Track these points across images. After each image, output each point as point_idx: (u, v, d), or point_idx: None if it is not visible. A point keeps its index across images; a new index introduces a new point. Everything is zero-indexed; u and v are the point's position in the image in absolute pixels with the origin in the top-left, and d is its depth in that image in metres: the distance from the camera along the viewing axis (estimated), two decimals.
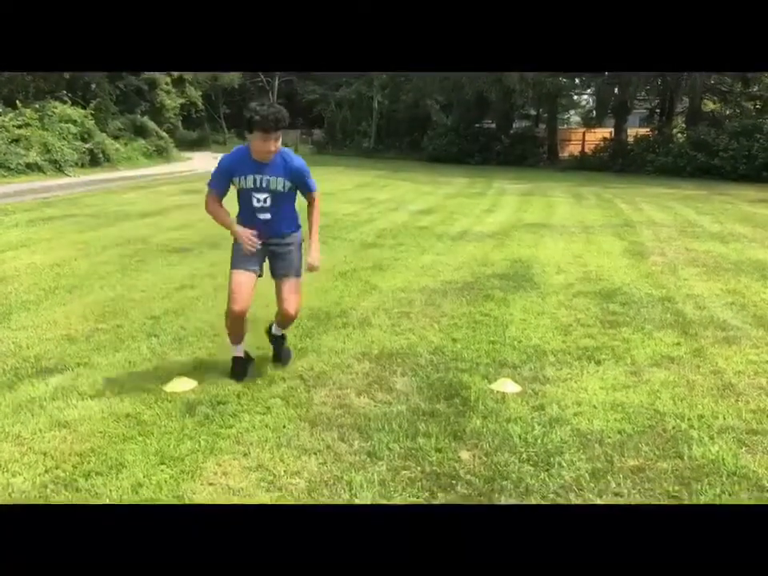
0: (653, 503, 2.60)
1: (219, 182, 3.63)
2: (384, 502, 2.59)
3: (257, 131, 3.38)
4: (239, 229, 3.62)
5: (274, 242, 3.70)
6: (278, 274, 3.77)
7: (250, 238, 3.58)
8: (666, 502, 2.61)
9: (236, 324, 3.73)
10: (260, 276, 3.76)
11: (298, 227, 3.81)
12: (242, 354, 3.86)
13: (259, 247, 3.63)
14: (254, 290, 3.71)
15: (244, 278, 3.64)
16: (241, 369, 3.82)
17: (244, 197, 3.62)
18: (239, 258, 3.67)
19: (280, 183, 3.56)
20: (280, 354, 4.05)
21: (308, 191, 3.71)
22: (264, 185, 3.55)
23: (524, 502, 2.60)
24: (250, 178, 3.54)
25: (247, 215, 3.65)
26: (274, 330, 4.05)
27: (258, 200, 3.58)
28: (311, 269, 3.75)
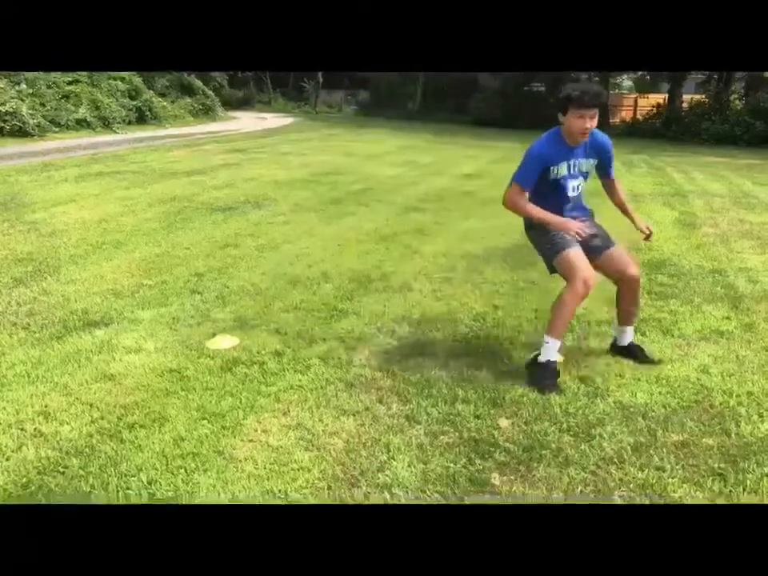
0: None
1: (529, 175, 3.27)
2: (422, 466, 2.59)
3: (574, 109, 3.16)
4: (562, 219, 3.29)
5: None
6: (599, 250, 3.44)
7: (581, 227, 3.25)
8: (710, 479, 2.55)
9: (577, 305, 3.34)
10: None
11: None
12: (557, 359, 3.37)
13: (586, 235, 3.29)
14: None
15: (581, 253, 3.29)
16: (554, 376, 3.31)
17: (556, 187, 3.33)
18: (562, 239, 3.29)
19: (589, 164, 3.34)
20: (646, 358, 3.61)
21: (609, 170, 3.46)
22: (576, 170, 3.32)
23: (563, 474, 2.57)
24: (564, 164, 3.28)
25: (556, 206, 3.34)
26: (619, 339, 3.65)
27: (574, 188, 3.33)
28: (648, 236, 3.57)
